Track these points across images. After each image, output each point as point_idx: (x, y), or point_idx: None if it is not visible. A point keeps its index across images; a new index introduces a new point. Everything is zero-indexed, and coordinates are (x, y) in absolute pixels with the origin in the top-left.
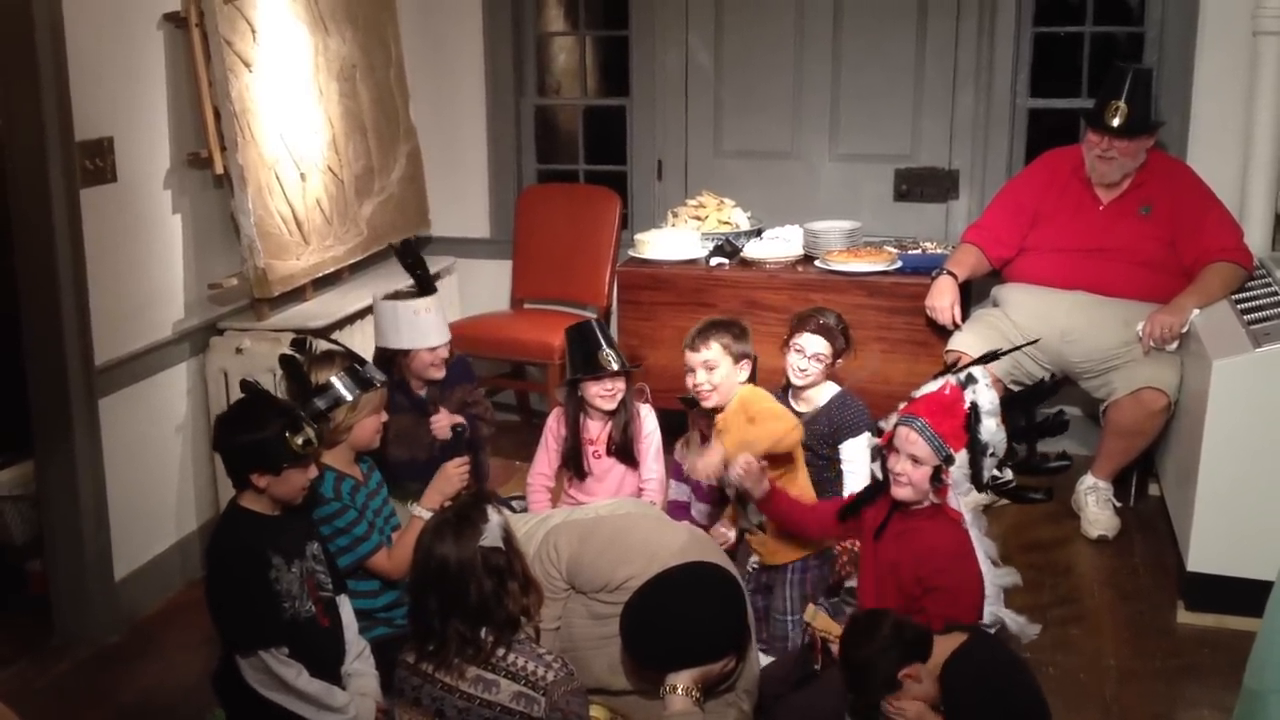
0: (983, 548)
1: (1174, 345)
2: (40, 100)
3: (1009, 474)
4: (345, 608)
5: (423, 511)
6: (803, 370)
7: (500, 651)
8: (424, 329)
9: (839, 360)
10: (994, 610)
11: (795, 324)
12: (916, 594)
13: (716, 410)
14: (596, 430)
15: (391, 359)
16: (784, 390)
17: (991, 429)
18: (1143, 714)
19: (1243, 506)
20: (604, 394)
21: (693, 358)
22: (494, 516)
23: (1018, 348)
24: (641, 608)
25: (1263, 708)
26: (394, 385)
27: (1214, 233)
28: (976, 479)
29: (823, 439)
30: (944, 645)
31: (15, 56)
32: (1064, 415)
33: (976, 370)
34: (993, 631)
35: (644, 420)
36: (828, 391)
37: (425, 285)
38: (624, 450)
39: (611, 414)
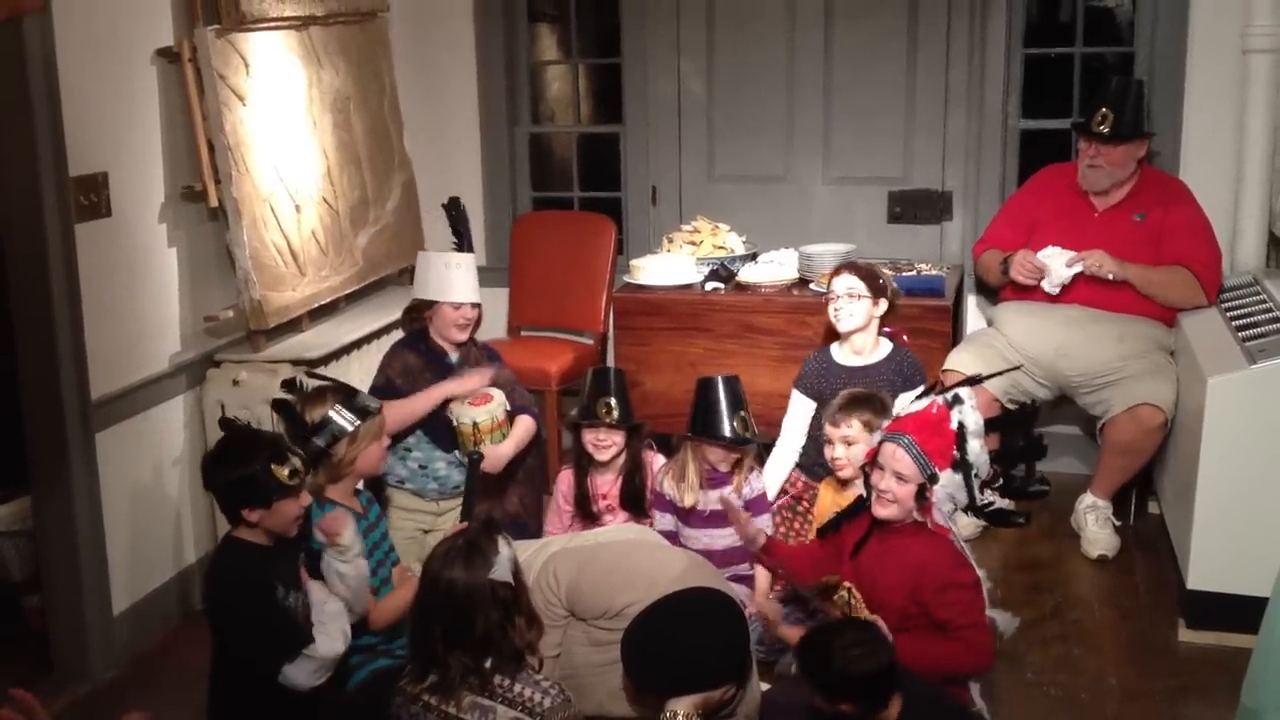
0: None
1: (1083, 267)
2: (34, 136)
3: (990, 496)
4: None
5: (416, 568)
6: (837, 311)
7: (498, 679)
8: (451, 282)
9: (883, 303)
10: None
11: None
12: (913, 612)
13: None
14: (606, 486)
15: (421, 311)
16: (826, 349)
17: (976, 450)
18: None
19: (1241, 523)
20: (596, 443)
21: (832, 432)
22: (504, 549)
23: (1001, 372)
24: (642, 634)
25: None
26: (417, 336)
27: (1198, 245)
28: (971, 498)
29: (894, 390)
30: None
31: (9, 92)
32: (1044, 441)
33: (963, 391)
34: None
35: (655, 469)
36: (885, 347)
37: (463, 243)
38: (634, 500)
39: (621, 468)
